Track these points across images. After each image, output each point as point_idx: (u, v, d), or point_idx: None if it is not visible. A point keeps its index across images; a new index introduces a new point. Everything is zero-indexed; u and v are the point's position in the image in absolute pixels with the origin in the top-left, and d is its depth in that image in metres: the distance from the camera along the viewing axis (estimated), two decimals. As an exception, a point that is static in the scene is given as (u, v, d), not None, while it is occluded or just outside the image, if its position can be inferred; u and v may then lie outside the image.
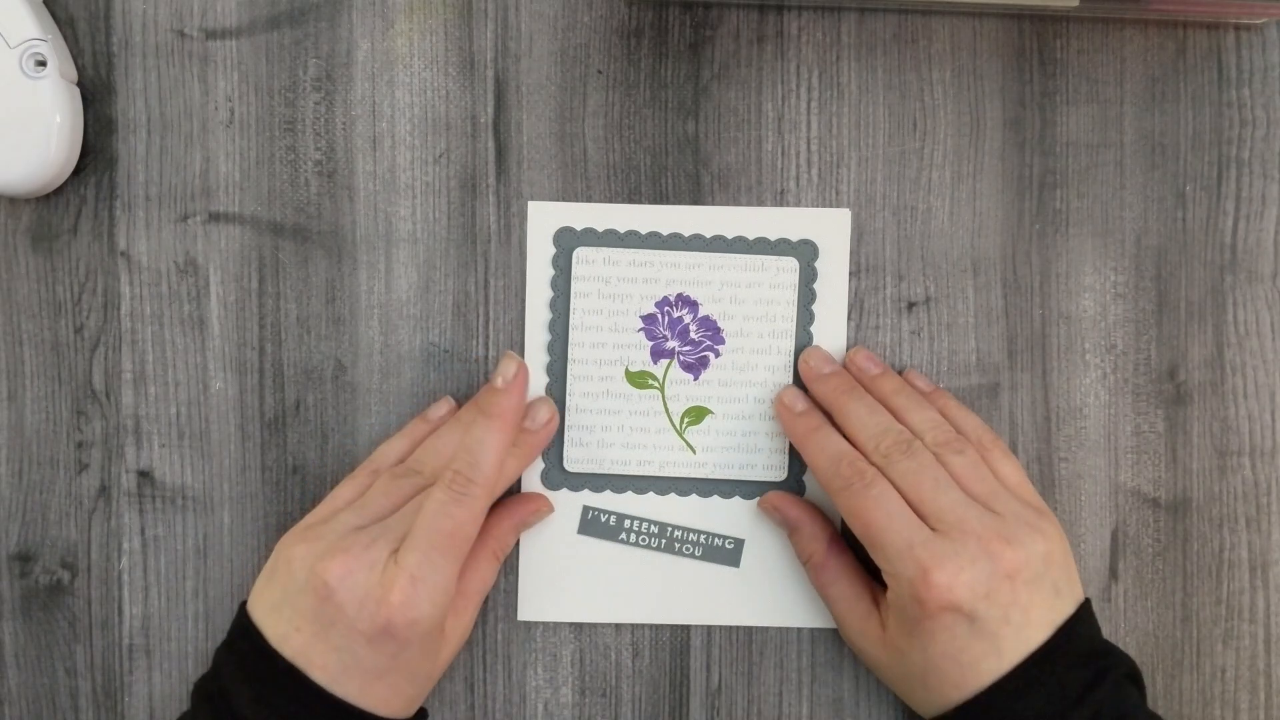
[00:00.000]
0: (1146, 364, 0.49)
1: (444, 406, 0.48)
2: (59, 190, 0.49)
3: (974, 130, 0.49)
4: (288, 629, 0.41)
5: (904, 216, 0.49)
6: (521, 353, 0.49)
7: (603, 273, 0.48)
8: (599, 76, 0.49)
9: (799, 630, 0.49)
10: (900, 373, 0.49)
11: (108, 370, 0.49)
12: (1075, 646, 0.42)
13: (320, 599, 0.41)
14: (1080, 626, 0.42)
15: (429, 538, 0.41)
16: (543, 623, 0.49)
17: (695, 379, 0.49)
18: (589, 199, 0.49)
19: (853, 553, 0.47)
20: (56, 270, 0.49)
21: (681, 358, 0.49)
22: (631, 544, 0.49)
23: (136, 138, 0.49)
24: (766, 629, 0.49)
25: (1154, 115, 0.49)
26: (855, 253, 0.49)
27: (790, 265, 0.48)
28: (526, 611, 0.49)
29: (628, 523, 0.49)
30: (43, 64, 0.46)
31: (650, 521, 0.49)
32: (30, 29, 0.46)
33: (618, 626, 0.49)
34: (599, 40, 0.49)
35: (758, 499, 0.48)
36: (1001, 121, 0.49)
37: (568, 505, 0.49)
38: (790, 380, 0.49)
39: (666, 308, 0.49)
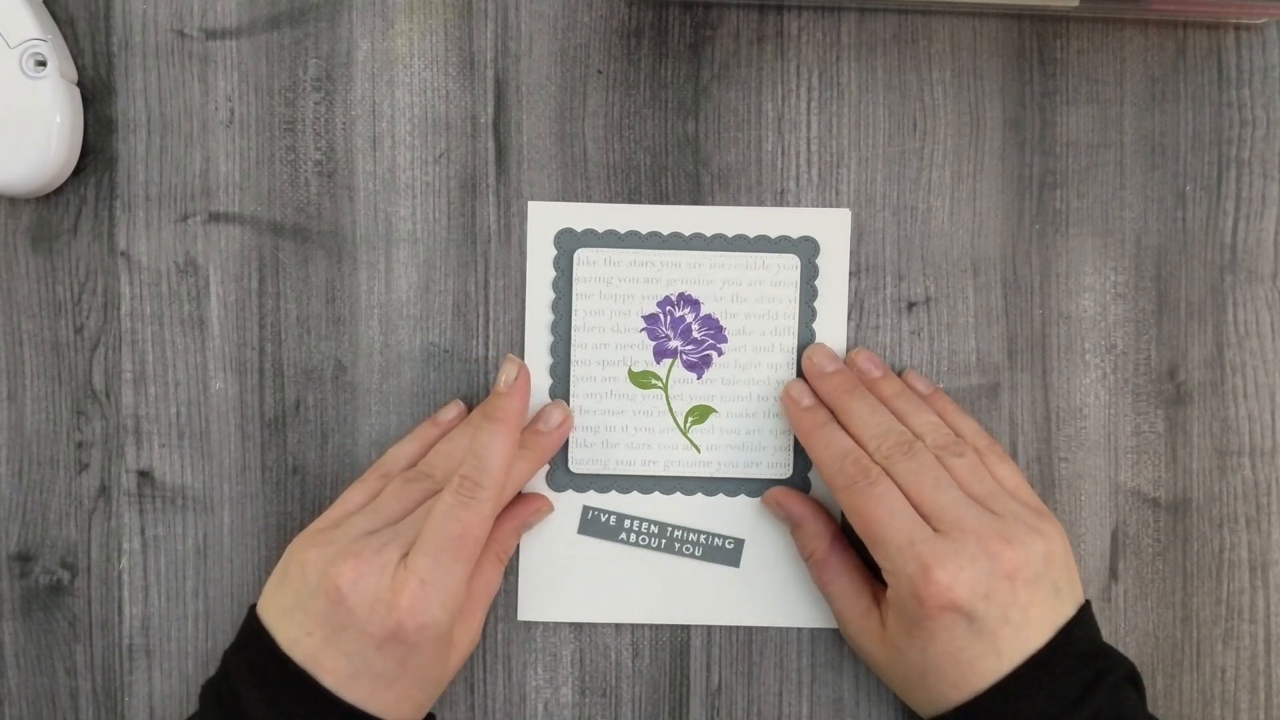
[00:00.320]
0: (1146, 364, 0.49)
1: (454, 410, 0.48)
2: (59, 190, 0.48)
3: (974, 130, 0.49)
4: (299, 633, 0.41)
5: (904, 216, 0.49)
6: (523, 354, 0.49)
7: (604, 273, 0.48)
8: (599, 76, 0.49)
9: (799, 630, 0.49)
10: (899, 373, 0.49)
11: (108, 370, 0.49)
12: (1074, 648, 0.42)
13: (332, 603, 0.41)
14: (1080, 628, 0.42)
15: (438, 542, 0.41)
16: (543, 623, 0.49)
17: (698, 378, 0.49)
18: (589, 199, 0.49)
19: (855, 551, 0.47)
20: (56, 270, 0.49)
21: (684, 357, 0.49)
22: (631, 544, 0.49)
23: (136, 138, 0.49)
24: (766, 629, 0.49)
25: (1154, 115, 0.49)
26: (855, 252, 0.49)
27: (792, 262, 0.48)
28: (526, 611, 0.49)
29: (628, 523, 0.49)
30: (43, 64, 0.46)
31: (650, 521, 0.49)
32: (30, 29, 0.46)
33: (618, 626, 0.49)
34: (599, 40, 0.49)
35: (761, 496, 0.49)
36: (1001, 121, 0.49)
37: (568, 505, 0.49)
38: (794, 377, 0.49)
39: (668, 307, 0.49)
